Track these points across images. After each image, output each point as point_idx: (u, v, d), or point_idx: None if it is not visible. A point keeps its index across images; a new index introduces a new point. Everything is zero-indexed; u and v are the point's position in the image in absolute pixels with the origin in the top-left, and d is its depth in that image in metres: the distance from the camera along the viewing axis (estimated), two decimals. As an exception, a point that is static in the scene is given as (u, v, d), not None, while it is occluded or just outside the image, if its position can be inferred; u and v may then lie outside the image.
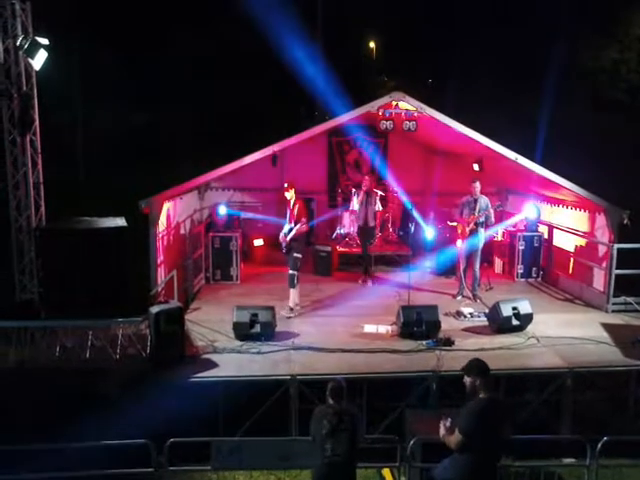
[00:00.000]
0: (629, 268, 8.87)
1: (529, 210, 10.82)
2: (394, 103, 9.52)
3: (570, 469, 6.14)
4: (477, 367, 4.47)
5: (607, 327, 8.19)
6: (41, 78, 8.47)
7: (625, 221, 8.77)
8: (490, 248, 11.13)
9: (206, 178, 10.05)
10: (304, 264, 9.36)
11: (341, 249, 11.94)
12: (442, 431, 4.51)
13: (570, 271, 10.32)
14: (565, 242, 10.55)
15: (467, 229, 9.25)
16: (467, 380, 4.47)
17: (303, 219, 8.52)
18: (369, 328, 8.08)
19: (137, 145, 22.85)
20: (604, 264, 9.09)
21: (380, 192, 11.89)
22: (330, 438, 4.46)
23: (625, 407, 7.33)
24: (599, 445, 5.38)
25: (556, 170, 9.37)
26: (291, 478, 5.94)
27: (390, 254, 12.02)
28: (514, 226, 11.21)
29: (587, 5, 21.64)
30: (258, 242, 12.01)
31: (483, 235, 9.35)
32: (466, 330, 8.08)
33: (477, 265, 9.40)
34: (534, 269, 10.87)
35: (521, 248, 10.77)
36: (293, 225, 8.57)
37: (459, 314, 8.62)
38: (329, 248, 11.30)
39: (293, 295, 8.70)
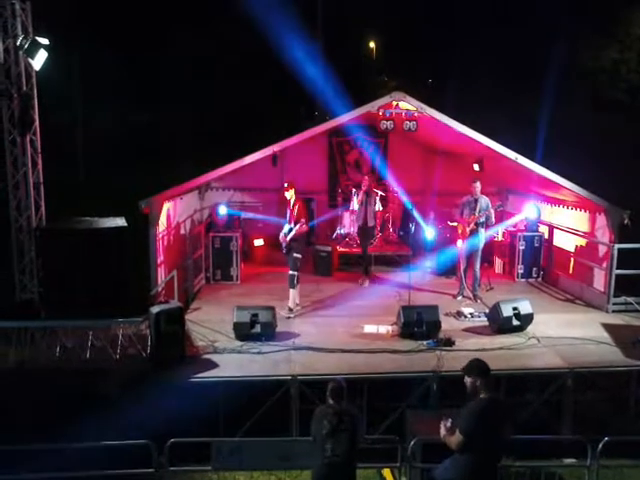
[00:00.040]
0: (629, 268, 8.86)
1: (529, 210, 10.81)
2: (394, 103, 9.51)
3: (571, 469, 6.14)
4: (477, 367, 4.47)
5: (608, 327, 8.19)
6: (41, 78, 8.46)
7: (625, 221, 8.76)
8: (490, 248, 11.13)
9: (206, 178, 10.04)
10: (304, 264, 9.36)
11: (341, 249, 11.93)
12: (443, 431, 4.50)
13: (570, 271, 10.32)
14: (565, 242, 10.54)
15: (467, 229, 9.24)
16: (467, 381, 4.46)
17: (302, 219, 8.51)
18: (369, 328, 8.08)
19: (137, 145, 22.86)
20: (604, 264, 9.09)
21: (380, 192, 11.90)
22: (330, 438, 4.46)
23: (626, 407, 7.33)
24: (600, 445, 5.37)
25: (556, 170, 9.37)
26: (292, 478, 5.93)
27: (390, 254, 12.00)
28: (514, 226, 11.21)
29: (587, 5, 21.63)
30: (258, 242, 12.01)
31: (483, 235, 9.34)
32: (466, 330, 8.08)
33: (477, 265, 9.39)
34: (534, 269, 10.87)
35: (521, 248, 10.77)
36: (293, 225, 8.57)
37: (459, 314, 8.62)
38: (329, 248, 11.29)
39: (293, 295, 8.69)
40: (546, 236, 10.98)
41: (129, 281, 7.52)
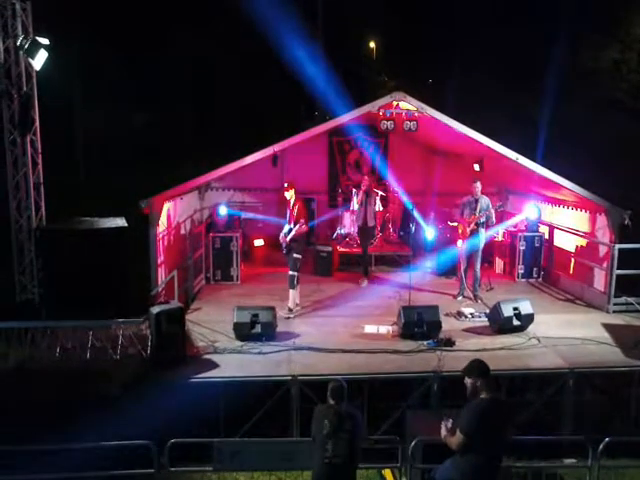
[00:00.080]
0: (630, 268, 8.86)
1: (530, 210, 10.81)
2: (395, 103, 9.51)
3: (572, 470, 6.13)
4: (478, 368, 4.46)
5: (608, 327, 8.19)
6: (41, 78, 8.46)
7: (626, 221, 8.76)
8: (491, 248, 11.13)
9: (206, 178, 10.04)
10: (304, 264, 9.35)
11: (342, 249, 11.93)
12: (443, 432, 4.49)
13: (571, 271, 10.31)
14: (566, 242, 10.54)
15: (468, 229, 9.23)
16: (468, 382, 4.45)
17: (302, 220, 8.49)
18: (370, 328, 8.07)
19: (137, 145, 22.83)
20: (605, 264, 9.08)
21: (380, 192, 11.89)
22: (331, 439, 4.45)
23: (626, 408, 7.31)
24: (601, 446, 5.37)
25: (557, 170, 9.37)
26: (292, 479, 5.92)
27: (391, 254, 12.01)
28: (515, 226, 11.20)
29: (587, 5, 21.61)
30: (258, 242, 12.00)
31: (484, 235, 9.34)
32: (467, 330, 8.07)
33: (478, 265, 9.39)
34: (535, 269, 10.86)
35: (522, 248, 10.76)
36: (293, 226, 8.56)
37: (460, 314, 8.61)
38: (330, 248, 11.29)
39: (292, 296, 8.68)
40: (546, 236, 10.97)
41: (129, 281, 7.53)
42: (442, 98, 19.58)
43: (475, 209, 9.17)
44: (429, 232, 10.79)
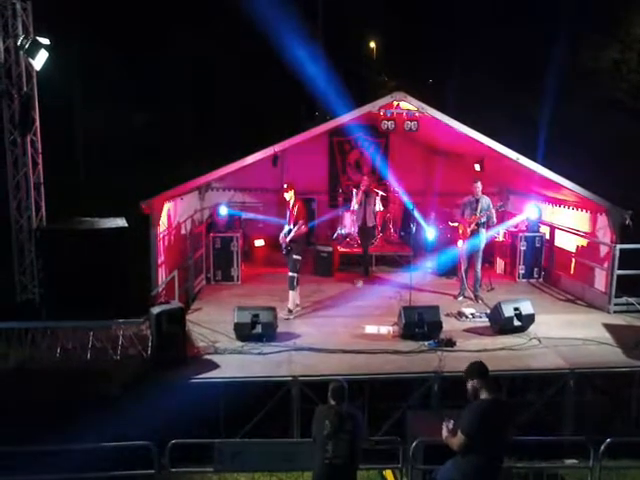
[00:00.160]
0: (631, 268, 8.86)
1: (530, 210, 10.81)
2: (395, 103, 9.50)
3: (573, 470, 6.12)
4: (478, 370, 4.45)
5: (609, 328, 8.18)
6: (41, 78, 8.45)
7: (627, 221, 8.76)
8: (491, 248, 11.12)
9: (207, 178, 10.03)
10: (304, 265, 9.34)
11: (342, 249, 11.92)
12: (444, 432, 4.48)
13: (572, 272, 10.31)
14: (567, 242, 10.53)
15: (468, 229, 9.23)
16: (469, 384, 4.44)
17: (301, 220, 8.47)
18: (370, 329, 8.07)
19: (137, 145, 22.82)
20: (606, 265, 9.08)
21: (381, 192, 11.89)
22: (331, 439, 4.45)
23: (627, 408, 7.31)
24: (602, 447, 5.36)
25: (557, 170, 9.36)
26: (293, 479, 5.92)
27: (391, 254, 12.00)
28: (515, 226, 11.20)
29: (587, 5, 21.60)
30: (259, 242, 12.00)
31: (484, 235, 9.33)
32: (468, 331, 8.07)
33: (478, 265, 9.38)
34: (535, 269, 10.86)
35: (522, 248, 10.75)
36: (292, 226, 8.55)
37: (461, 315, 8.61)
38: (330, 248, 11.27)
39: (292, 297, 8.67)
40: (547, 236, 10.96)
41: (129, 282, 7.51)
42: (442, 98, 19.61)
43: (476, 209, 9.16)
44: (430, 232, 10.79)
